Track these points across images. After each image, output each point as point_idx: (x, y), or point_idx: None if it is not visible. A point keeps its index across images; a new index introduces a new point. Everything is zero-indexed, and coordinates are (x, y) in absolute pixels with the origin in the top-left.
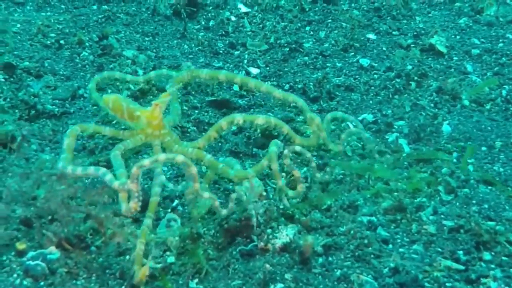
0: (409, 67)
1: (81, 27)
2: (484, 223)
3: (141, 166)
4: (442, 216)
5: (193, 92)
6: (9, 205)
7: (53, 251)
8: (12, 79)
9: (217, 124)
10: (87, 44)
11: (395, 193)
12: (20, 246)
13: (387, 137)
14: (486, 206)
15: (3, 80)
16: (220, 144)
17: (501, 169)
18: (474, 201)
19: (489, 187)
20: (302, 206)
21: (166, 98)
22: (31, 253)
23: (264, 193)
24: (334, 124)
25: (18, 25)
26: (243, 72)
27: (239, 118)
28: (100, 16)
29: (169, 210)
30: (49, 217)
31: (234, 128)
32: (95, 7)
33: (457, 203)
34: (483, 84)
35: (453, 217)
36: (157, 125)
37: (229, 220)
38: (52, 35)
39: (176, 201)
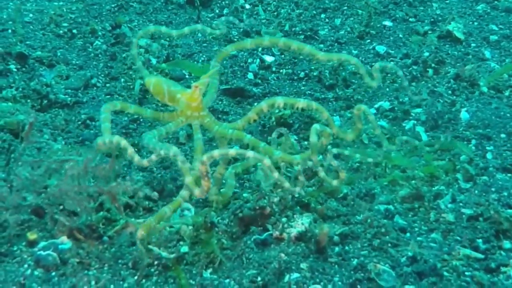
0: (426, 54)
1: (94, 16)
2: (504, 211)
3: (211, 157)
4: (461, 204)
5: None
6: (20, 193)
7: (64, 241)
8: (24, 69)
9: (258, 106)
10: (99, 33)
11: (413, 181)
12: (31, 236)
13: (404, 124)
14: (505, 193)
15: (15, 70)
16: None
17: None
18: (493, 189)
19: (509, 174)
20: (318, 195)
21: (206, 79)
22: (42, 243)
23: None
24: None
25: (31, 15)
26: (258, 59)
27: (280, 101)
28: (113, 5)
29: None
30: (61, 206)
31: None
32: None
33: (476, 191)
34: (501, 70)
35: (472, 205)
36: (196, 107)
37: (243, 209)
38: (65, 24)
39: None
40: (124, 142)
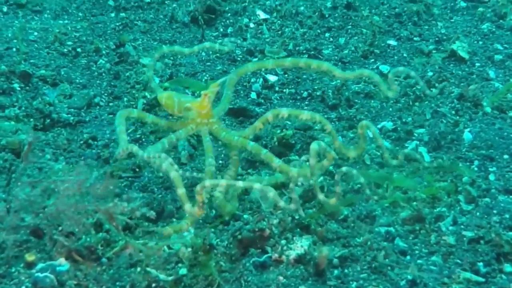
0: (430, 73)
1: (99, 35)
2: (505, 233)
3: (203, 187)
4: (462, 226)
5: None
6: (18, 214)
7: (62, 263)
8: (28, 87)
9: (264, 116)
10: (104, 52)
11: (414, 203)
12: (29, 257)
13: (407, 145)
14: (507, 216)
15: (18, 88)
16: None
17: None
18: (495, 211)
19: (511, 196)
20: (318, 216)
21: (215, 88)
22: (40, 265)
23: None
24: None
25: (35, 33)
26: (261, 79)
27: (284, 112)
28: (117, 24)
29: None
30: (60, 227)
31: (251, 136)
32: (113, 14)
33: (478, 213)
34: (504, 89)
35: (473, 228)
36: (206, 114)
37: (242, 231)
38: (69, 43)
39: None
40: (140, 152)
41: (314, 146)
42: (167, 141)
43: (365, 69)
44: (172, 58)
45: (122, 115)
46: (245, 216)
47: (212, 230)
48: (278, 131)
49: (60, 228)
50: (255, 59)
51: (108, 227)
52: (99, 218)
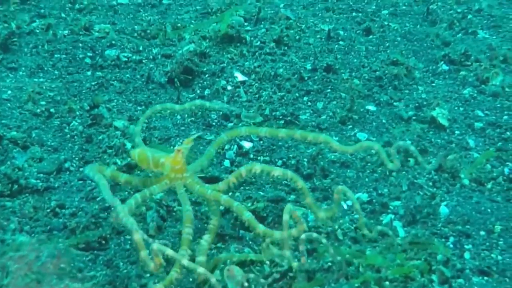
0: (409, 142)
1: (73, 95)
2: None
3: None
4: None
5: None
6: None
7: None
8: None
9: (237, 171)
10: (77, 113)
11: (386, 282)
12: None
13: (381, 218)
14: None
15: None
16: (205, 224)
17: (500, 257)
18: None
19: (485, 278)
20: None
21: (188, 144)
22: None
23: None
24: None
25: (9, 92)
26: (235, 146)
27: (257, 167)
28: (93, 83)
29: None
30: None
31: (221, 208)
32: (89, 73)
33: None
34: (481, 158)
35: None
36: (179, 169)
37: None
38: (43, 102)
39: None
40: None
41: (287, 211)
42: (140, 196)
43: (372, 142)
44: (146, 120)
45: (94, 169)
46: None
47: None
48: (249, 204)
49: None
50: (231, 124)
51: None
52: None
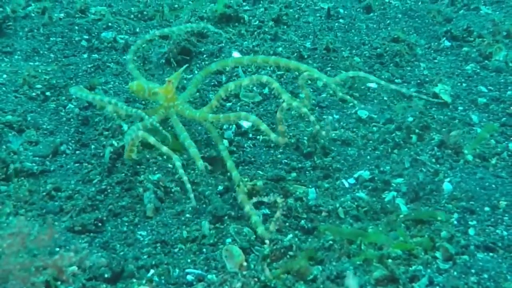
0: (410, 119)
1: (69, 77)
2: None
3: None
4: (438, 287)
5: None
6: None
7: None
8: None
9: (217, 94)
10: (73, 96)
11: (388, 260)
12: None
13: (384, 196)
14: (485, 276)
15: None
16: (204, 205)
17: (505, 233)
18: (473, 270)
19: (490, 254)
20: (286, 277)
21: (178, 75)
22: None
23: (245, 263)
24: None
25: (4, 76)
26: (234, 126)
27: (230, 85)
28: (89, 66)
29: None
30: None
31: (220, 188)
32: (85, 56)
33: (455, 272)
34: (484, 132)
35: None
36: (171, 98)
37: None
38: (38, 86)
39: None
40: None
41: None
42: (141, 125)
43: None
44: (143, 102)
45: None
46: (209, 276)
47: None
48: (246, 179)
49: None
50: (229, 104)
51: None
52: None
